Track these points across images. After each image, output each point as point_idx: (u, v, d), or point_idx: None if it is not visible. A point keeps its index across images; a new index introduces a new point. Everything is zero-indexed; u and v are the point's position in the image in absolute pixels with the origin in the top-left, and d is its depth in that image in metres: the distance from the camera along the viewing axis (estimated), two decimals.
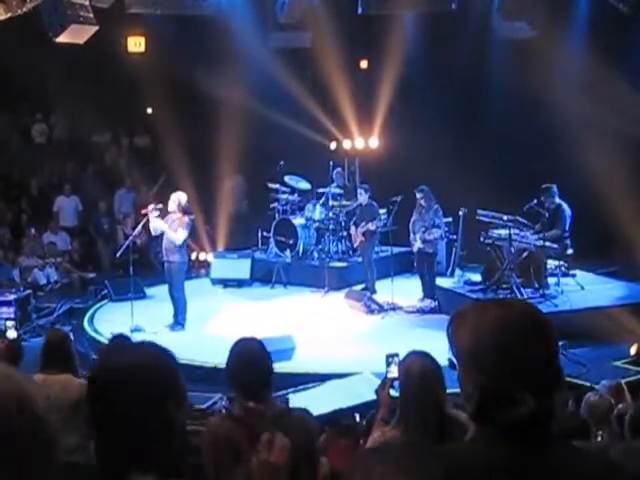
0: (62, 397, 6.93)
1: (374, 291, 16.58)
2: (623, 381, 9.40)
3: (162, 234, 14.67)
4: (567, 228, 15.25)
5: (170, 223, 14.55)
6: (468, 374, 2.35)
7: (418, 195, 16.03)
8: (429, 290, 16.12)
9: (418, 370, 4.70)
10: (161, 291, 17.10)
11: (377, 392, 5.49)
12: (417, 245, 16.07)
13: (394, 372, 5.28)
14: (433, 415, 4.52)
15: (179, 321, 14.85)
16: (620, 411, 6.70)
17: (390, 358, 5.45)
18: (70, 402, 6.96)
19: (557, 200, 15.31)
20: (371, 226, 16.59)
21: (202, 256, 19.27)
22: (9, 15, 14.91)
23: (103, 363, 2.66)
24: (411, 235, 16.20)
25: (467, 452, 2.36)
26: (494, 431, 2.29)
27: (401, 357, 5.11)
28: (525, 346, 2.29)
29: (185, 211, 14.62)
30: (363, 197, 16.78)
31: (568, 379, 11.03)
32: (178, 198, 14.60)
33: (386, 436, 4.72)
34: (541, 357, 2.30)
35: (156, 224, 14.55)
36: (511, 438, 2.27)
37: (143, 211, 15.04)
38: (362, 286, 16.86)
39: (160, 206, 14.71)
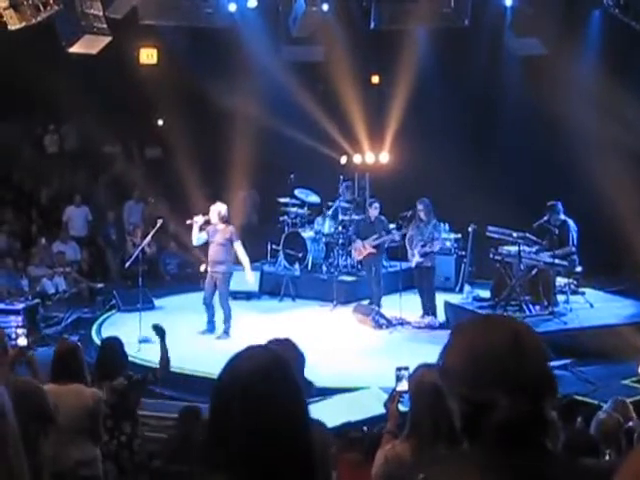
0: (76, 406, 6.95)
1: (379, 305, 16.56)
2: (632, 399, 9.40)
3: (207, 245, 15.16)
4: (574, 243, 15.23)
5: (212, 233, 15.02)
6: (453, 391, 2.40)
7: (419, 206, 15.93)
8: (429, 306, 16.07)
9: (430, 383, 4.68)
10: (170, 302, 17.17)
11: (386, 405, 5.47)
12: (415, 260, 15.99)
13: (403, 385, 5.26)
14: (445, 428, 4.50)
15: (225, 330, 15.20)
16: (629, 428, 6.68)
17: (399, 371, 5.42)
18: (84, 411, 6.99)
19: (562, 217, 15.29)
20: (396, 237, 16.54)
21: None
22: (23, 24, 14.98)
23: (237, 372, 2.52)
24: (409, 251, 16.15)
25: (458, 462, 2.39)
26: (483, 443, 2.32)
27: (411, 370, 5.09)
28: (504, 364, 2.32)
29: (226, 220, 15.08)
30: (376, 211, 16.73)
31: (576, 397, 11.01)
32: (218, 209, 15.00)
33: (396, 449, 4.70)
34: (519, 371, 2.32)
35: (199, 234, 15.12)
36: (500, 449, 2.30)
37: (188, 222, 15.36)
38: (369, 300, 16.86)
39: (206, 217, 15.05)
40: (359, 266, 18.05)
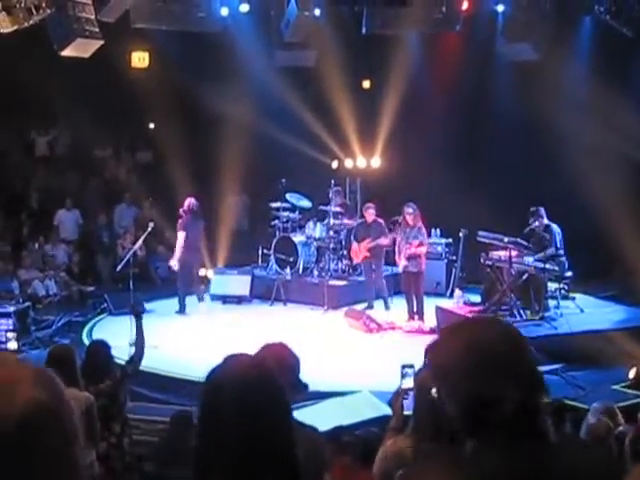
0: None
1: (372, 307, 16.68)
2: (622, 404, 9.43)
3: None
4: (558, 245, 15.23)
5: None
6: (450, 388, 2.40)
7: (409, 210, 15.87)
8: (418, 310, 16.07)
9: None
10: (160, 306, 17.12)
11: (390, 402, 5.46)
12: (402, 264, 16.03)
13: (408, 383, 5.22)
14: (446, 427, 4.48)
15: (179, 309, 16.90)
16: (620, 433, 6.70)
17: (404, 369, 5.38)
18: (77, 416, 6.96)
19: (546, 221, 15.31)
20: (383, 241, 16.58)
21: (202, 272, 19.21)
22: (15, 27, 14.97)
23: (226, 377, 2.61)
24: (396, 255, 16.19)
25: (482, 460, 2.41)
26: (492, 438, 2.33)
27: (416, 368, 5.08)
28: (507, 358, 2.38)
29: (185, 212, 16.76)
30: (372, 215, 16.77)
31: (566, 401, 11.04)
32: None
33: (398, 444, 4.71)
34: (522, 368, 2.39)
35: None
36: (510, 442, 2.32)
37: None
38: (365, 305, 16.88)
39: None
40: (351, 270, 18.11)
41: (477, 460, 2.39)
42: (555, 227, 15.29)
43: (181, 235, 16.71)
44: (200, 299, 17.34)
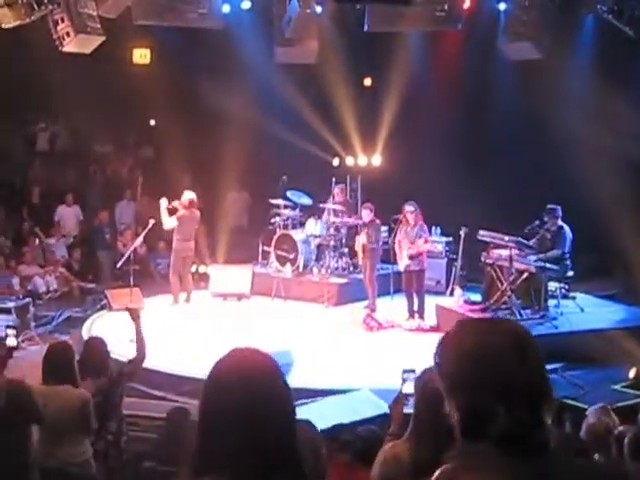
0: (63, 407, 6.94)
1: (374, 308, 16.56)
2: (622, 404, 9.42)
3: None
4: (567, 250, 15.20)
5: None
6: (452, 395, 2.38)
7: (410, 208, 15.80)
8: (419, 308, 16.05)
9: (435, 387, 4.63)
10: (160, 302, 17.10)
11: (390, 407, 5.42)
12: (403, 263, 15.99)
13: (409, 388, 5.16)
14: (445, 432, 4.44)
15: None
16: (619, 433, 6.69)
17: (406, 374, 5.34)
18: (71, 412, 6.97)
19: (560, 222, 15.26)
20: (363, 240, 16.57)
21: (202, 269, 19.21)
22: (17, 22, 14.96)
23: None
24: (397, 254, 16.15)
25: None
26: (484, 446, 2.30)
27: (417, 372, 5.04)
28: (505, 370, 2.33)
29: (185, 207, 16.69)
30: (368, 215, 16.73)
31: (566, 401, 11.03)
32: None
33: (396, 449, 4.68)
34: (520, 376, 2.33)
35: None
36: (503, 451, 2.29)
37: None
38: (365, 303, 16.82)
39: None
40: (351, 268, 18.09)
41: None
42: (567, 229, 15.18)
43: (174, 220, 16.63)
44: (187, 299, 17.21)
